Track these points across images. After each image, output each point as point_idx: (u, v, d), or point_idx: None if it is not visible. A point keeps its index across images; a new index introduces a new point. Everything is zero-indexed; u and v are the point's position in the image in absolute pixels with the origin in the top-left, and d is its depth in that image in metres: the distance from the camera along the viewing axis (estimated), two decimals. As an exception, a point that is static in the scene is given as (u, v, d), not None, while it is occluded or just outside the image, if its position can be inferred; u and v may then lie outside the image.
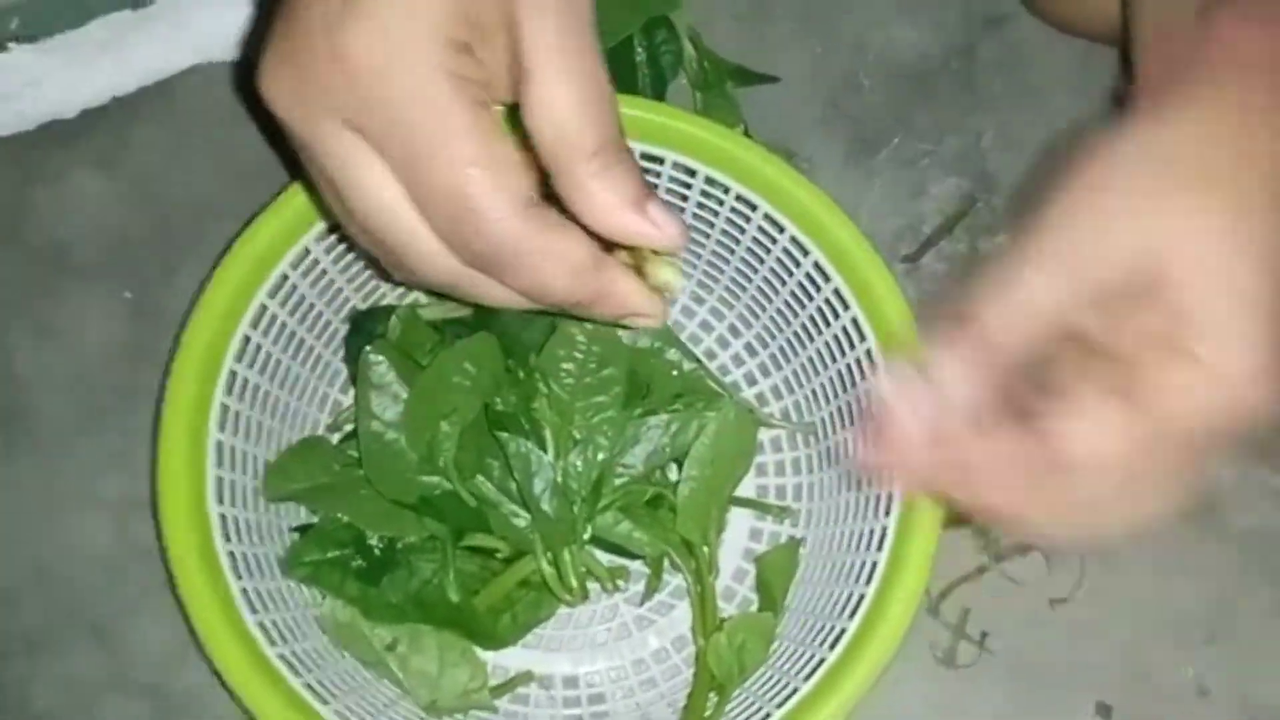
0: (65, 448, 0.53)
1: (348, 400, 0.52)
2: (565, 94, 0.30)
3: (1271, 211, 0.29)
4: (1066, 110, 0.55)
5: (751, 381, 0.53)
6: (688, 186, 0.47)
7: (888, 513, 0.43)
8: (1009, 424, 0.30)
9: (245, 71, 0.57)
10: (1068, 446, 0.29)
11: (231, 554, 0.44)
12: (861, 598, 0.42)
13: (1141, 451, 0.29)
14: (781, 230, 0.46)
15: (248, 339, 0.46)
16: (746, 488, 0.51)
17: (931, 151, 0.56)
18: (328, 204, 0.35)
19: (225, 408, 0.45)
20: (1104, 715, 0.50)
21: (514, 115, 0.32)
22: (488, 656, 0.49)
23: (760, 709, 0.42)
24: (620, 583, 0.50)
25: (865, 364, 0.45)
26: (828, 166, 0.56)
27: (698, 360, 0.51)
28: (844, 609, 0.43)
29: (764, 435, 0.52)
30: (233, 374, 0.45)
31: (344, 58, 0.29)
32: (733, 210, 0.47)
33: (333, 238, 0.47)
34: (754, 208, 0.46)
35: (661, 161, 0.46)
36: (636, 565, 0.51)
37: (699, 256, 0.51)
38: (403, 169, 0.31)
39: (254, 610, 0.43)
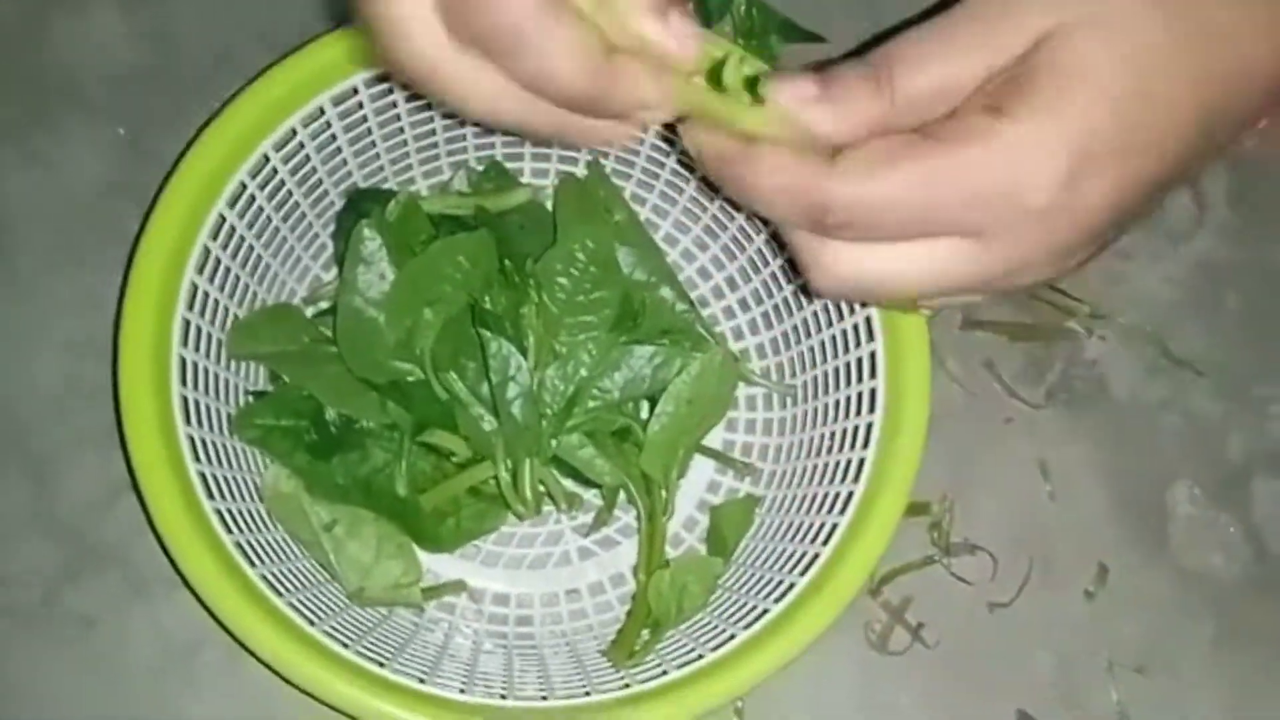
0: (36, 280, 0.51)
1: (328, 277, 0.51)
2: None
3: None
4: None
5: (739, 336, 0.52)
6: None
7: (856, 479, 0.43)
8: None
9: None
10: (838, 182, 0.30)
11: (185, 399, 0.42)
12: (815, 557, 0.42)
13: (911, 203, 0.30)
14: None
15: (243, 186, 0.44)
16: (714, 439, 0.50)
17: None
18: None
19: (207, 251, 0.44)
20: (1022, 724, 0.50)
21: None
22: (423, 558, 0.48)
23: (694, 650, 0.42)
24: (571, 508, 0.49)
25: (861, 332, 0.45)
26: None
27: (690, 303, 0.50)
28: (794, 565, 0.42)
29: (740, 391, 0.51)
30: (221, 218, 0.44)
31: None
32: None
33: (349, 103, 0.46)
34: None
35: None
36: (589, 495, 0.50)
37: (711, 200, 0.50)
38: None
39: (197, 459, 0.42)
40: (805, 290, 0.47)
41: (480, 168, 0.52)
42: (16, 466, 0.50)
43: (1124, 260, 0.55)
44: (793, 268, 0.45)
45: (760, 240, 0.49)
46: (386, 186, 0.51)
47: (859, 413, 0.44)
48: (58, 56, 0.54)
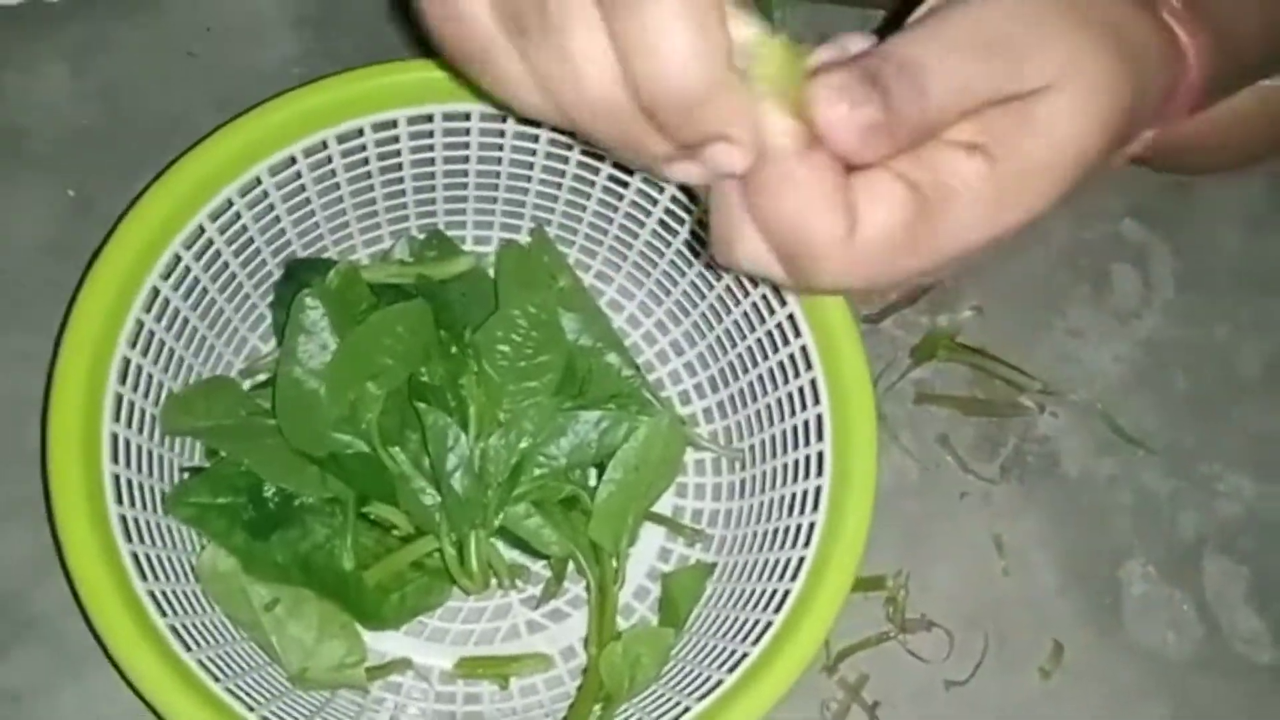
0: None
1: (265, 348, 0.50)
2: None
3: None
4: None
5: (686, 400, 0.52)
6: (660, 190, 0.47)
7: (806, 543, 0.42)
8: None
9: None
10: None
11: (117, 477, 0.41)
12: (768, 625, 0.41)
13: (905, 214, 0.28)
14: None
15: (178, 259, 0.43)
16: (663, 505, 0.50)
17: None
18: None
19: (140, 324, 0.42)
20: (976, 806, 0.49)
21: None
22: (367, 637, 0.46)
23: (646, 725, 0.41)
24: (519, 581, 0.48)
25: (806, 395, 0.45)
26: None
27: (636, 368, 0.50)
28: (747, 635, 0.42)
29: (689, 456, 0.51)
30: (155, 290, 0.43)
31: None
32: (699, 223, 0.47)
33: (286, 173, 0.45)
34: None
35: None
36: (537, 567, 0.49)
37: (655, 266, 0.50)
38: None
39: (129, 539, 0.40)
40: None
41: (422, 236, 0.51)
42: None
43: (1075, 338, 0.56)
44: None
45: (705, 304, 0.49)
46: (326, 256, 0.50)
47: (808, 476, 0.44)
48: (6, 114, 0.53)
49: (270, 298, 0.49)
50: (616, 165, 0.47)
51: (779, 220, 0.28)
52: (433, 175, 0.49)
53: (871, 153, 0.28)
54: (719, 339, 0.50)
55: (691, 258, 0.48)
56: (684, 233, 0.48)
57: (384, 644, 0.47)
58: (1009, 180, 0.29)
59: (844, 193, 0.28)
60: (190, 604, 0.42)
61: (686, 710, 0.40)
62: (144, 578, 0.40)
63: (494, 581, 0.47)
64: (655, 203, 0.47)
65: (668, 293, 0.51)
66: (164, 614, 0.39)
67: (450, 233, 0.51)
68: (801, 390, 0.45)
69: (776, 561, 0.44)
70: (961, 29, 0.29)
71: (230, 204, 0.44)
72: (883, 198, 0.28)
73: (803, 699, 0.48)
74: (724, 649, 0.42)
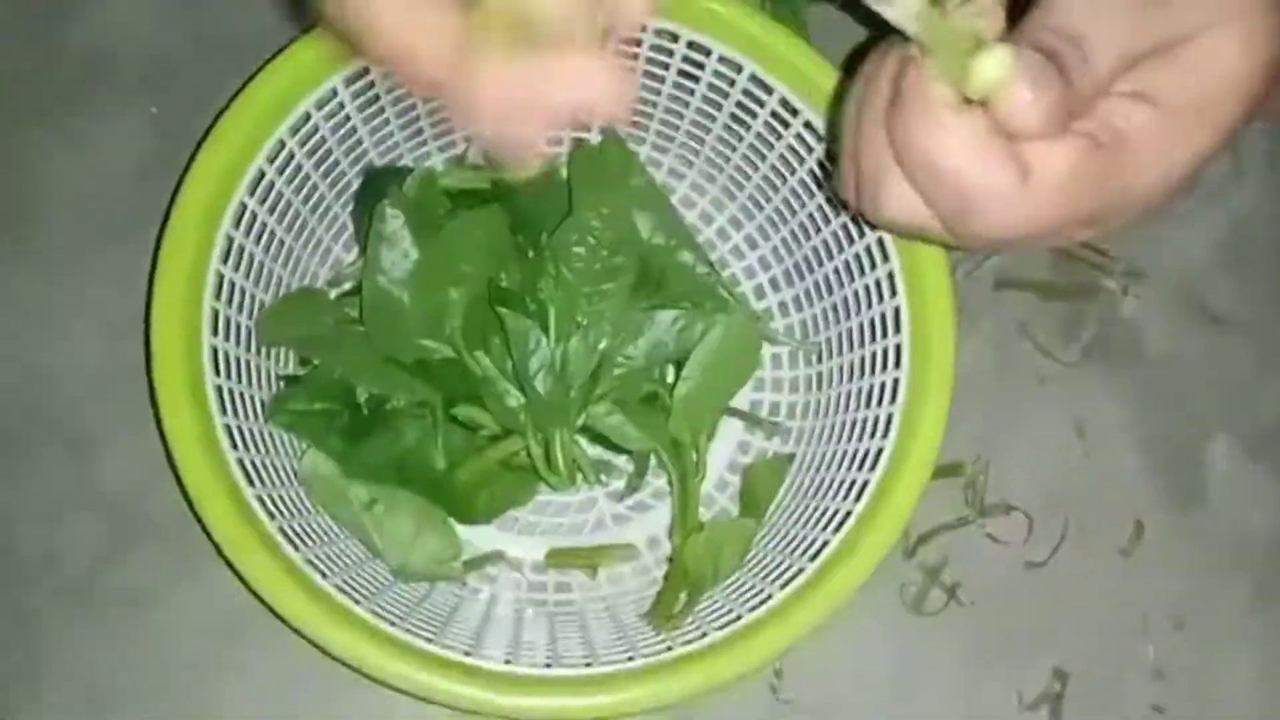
0: (71, 259, 0.52)
1: (349, 257, 0.51)
2: None
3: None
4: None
5: (760, 295, 0.52)
6: (730, 83, 0.46)
7: (885, 434, 0.43)
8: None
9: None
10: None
11: (219, 389, 0.43)
12: (848, 514, 0.42)
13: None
14: (820, 140, 0.45)
15: (262, 174, 0.44)
16: (741, 400, 0.50)
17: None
18: None
19: (230, 239, 0.44)
20: (1060, 681, 0.50)
21: None
22: (461, 530, 0.48)
23: (733, 612, 0.42)
24: (603, 476, 0.49)
25: (883, 287, 0.45)
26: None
27: (710, 265, 0.50)
28: (828, 523, 0.43)
29: (765, 351, 0.51)
30: (242, 206, 0.44)
31: None
32: (772, 115, 0.46)
33: (361, 83, 0.46)
34: (796, 113, 0.45)
35: (708, 53, 0.45)
36: (620, 461, 0.50)
37: (727, 161, 0.50)
38: None
39: (235, 447, 0.42)
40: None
41: (494, 139, 0.51)
42: (59, 445, 0.50)
43: (1160, 218, 0.55)
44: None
45: (779, 198, 0.49)
46: (402, 163, 0.51)
47: (885, 368, 0.44)
48: (88, 34, 0.54)
49: (351, 207, 0.51)
50: (686, 60, 0.46)
51: (946, 173, 0.28)
52: (503, 79, 0.49)
53: (1054, 129, 0.28)
54: (793, 233, 0.50)
55: (765, 151, 0.48)
56: (756, 126, 0.47)
57: (478, 538, 0.49)
58: (1177, 119, 0.29)
59: (1010, 145, 0.28)
60: (295, 506, 0.44)
61: (770, 598, 0.42)
62: (251, 483, 0.42)
63: (579, 477, 0.48)
64: (726, 96, 0.47)
65: (740, 187, 0.51)
66: (272, 516, 0.42)
67: (522, 135, 0.52)
68: (879, 282, 0.45)
69: (855, 452, 0.45)
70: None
71: (309, 117, 0.45)
72: (1056, 145, 0.28)
73: (881, 583, 0.49)
74: (805, 537, 0.44)
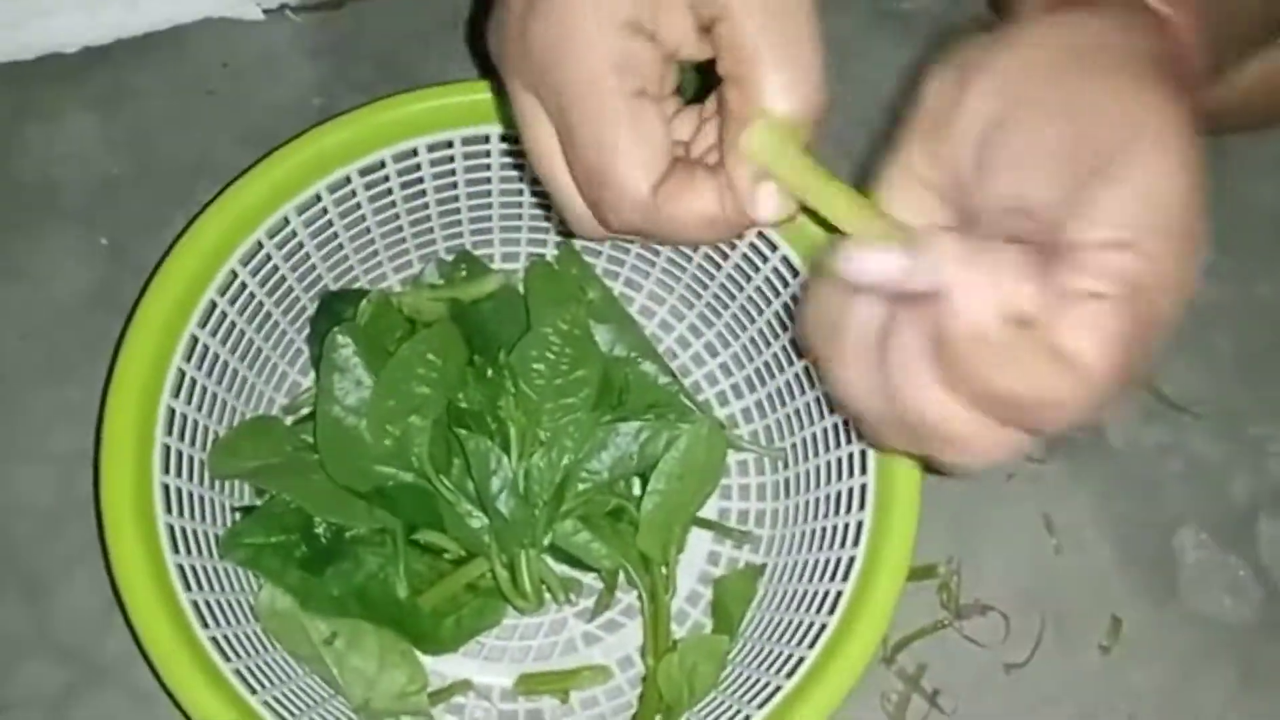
0: (21, 394, 0.51)
1: (306, 382, 0.51)
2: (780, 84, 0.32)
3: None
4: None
5: (724, 402, 0.52)
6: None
7: (855, 542, 0.42)
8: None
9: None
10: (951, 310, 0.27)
11: (170, 527, 0.42)
12: (823, 627, 0.41)
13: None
14: (774, 249, 0.45)
15: (214, 305, 0.44)
16: (709, 510, 0.50)
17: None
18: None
19: (181, 373, 0.43)
20: (1046, 785, 0.49)
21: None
22: (427, 661, 0.47)
23: (709, 734, 0.41)
24: (572, 595, 0.48)
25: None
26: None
27: (672, 375, 0.50)
28: (803, 638, 0.42)
29: (730, 459, 0.51)
30: (194, 339, 0.43)
31: (527, 40, 0.33)
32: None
33: (311, 211, 0.45)
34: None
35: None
36: (589, 579, 0.49)
37: (684, 270, 0.50)
38: (562, 140, 0.34)
39: (188, 588, 0.41)
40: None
41: (450, 258, 0.51)
42: (12, 585, 0.49)
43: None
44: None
45: (737, 305, 0.49)
46: (358, 285, 0.51)
47: (852, 474, 0.44)
48: (34, 167, 0.54)
49: (306, 331, 0.50)
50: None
51: (1008, 397, 0.27)
52: (456, 199, 0.49)
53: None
54: (753, 339, 0.50)
55: (720, 261, 0.48)
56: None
57: (444, 667, 0.48)
58: (1163, 239, 0.29)
59: (1047, 343, 0.27)
60: (252, 645, 0.43)
61: (747, 718, 0.40)
62: (205, 624, 0.40)
63: (547, 598, 0.47)
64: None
65: (699, 296, 0.51)
66: (227, 659, 0.40)
67: (478, 252, 0.52)
68: (839, 388, 0.45)
69: (827, 561, 0.44)
70: (1022, 150, 0.28)
71: (260, 246, 0.45)
72: (1084, 324, 0.27)
73: (862, 692, 0.48)
74: (781, 653, 0.42)
